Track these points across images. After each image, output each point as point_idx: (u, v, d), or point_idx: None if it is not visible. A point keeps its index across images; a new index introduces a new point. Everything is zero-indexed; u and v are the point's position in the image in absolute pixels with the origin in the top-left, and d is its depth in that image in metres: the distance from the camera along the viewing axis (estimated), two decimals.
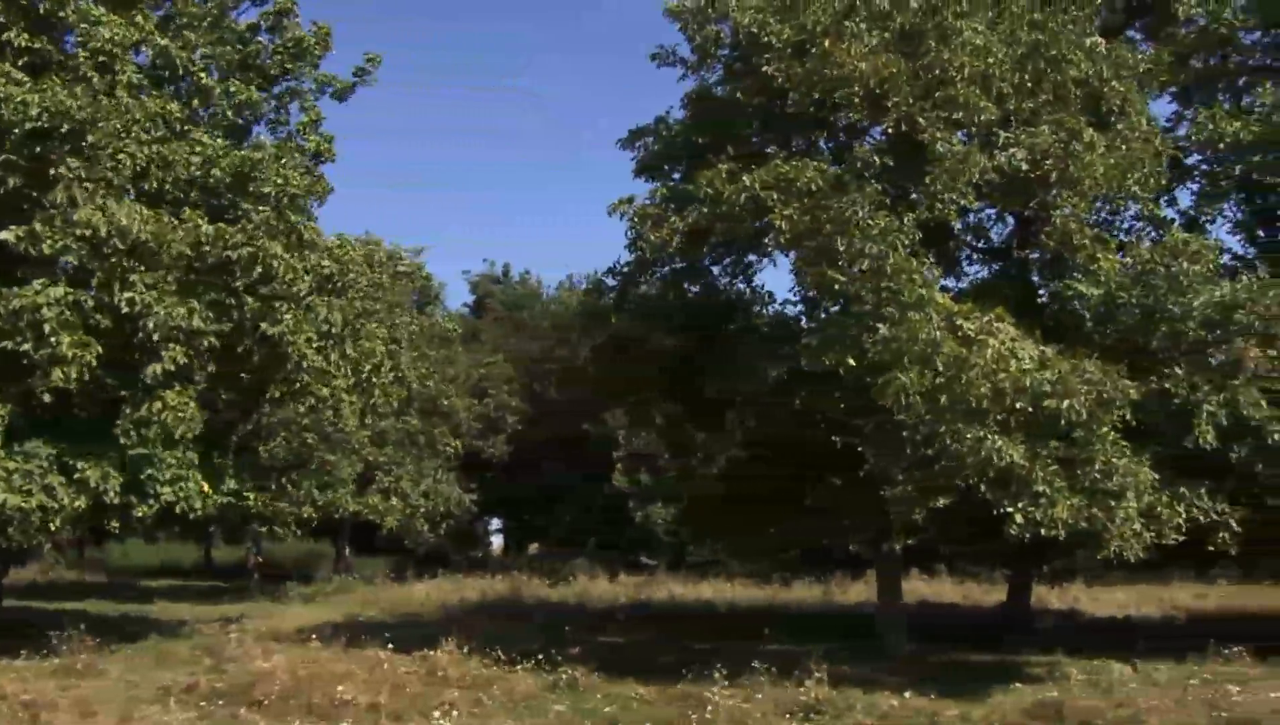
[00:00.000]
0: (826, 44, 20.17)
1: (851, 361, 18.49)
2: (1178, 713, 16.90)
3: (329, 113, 29.22)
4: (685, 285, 24.60)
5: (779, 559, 42.01)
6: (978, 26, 21.04)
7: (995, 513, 18.19)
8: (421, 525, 46.60)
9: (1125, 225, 24.49)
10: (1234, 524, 20.61)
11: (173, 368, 20.91)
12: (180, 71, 24.21)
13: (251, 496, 24.44)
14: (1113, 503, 18.01)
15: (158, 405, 20.81)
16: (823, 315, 21.49)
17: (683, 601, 38.03)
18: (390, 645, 21.19)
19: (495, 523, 65.81)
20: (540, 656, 20.15)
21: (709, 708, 16.93)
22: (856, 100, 20.36)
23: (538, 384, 55.93)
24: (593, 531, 56.07)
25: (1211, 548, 21.04)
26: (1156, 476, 19.02)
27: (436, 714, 16.53)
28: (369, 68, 27.13)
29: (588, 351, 27.61)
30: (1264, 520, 21.97)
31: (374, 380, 27.10)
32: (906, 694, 18.04)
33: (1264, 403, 19.86)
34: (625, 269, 24.84)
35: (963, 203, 19.93)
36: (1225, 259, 24.41)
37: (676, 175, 24.35)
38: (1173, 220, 25.57)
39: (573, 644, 20.67)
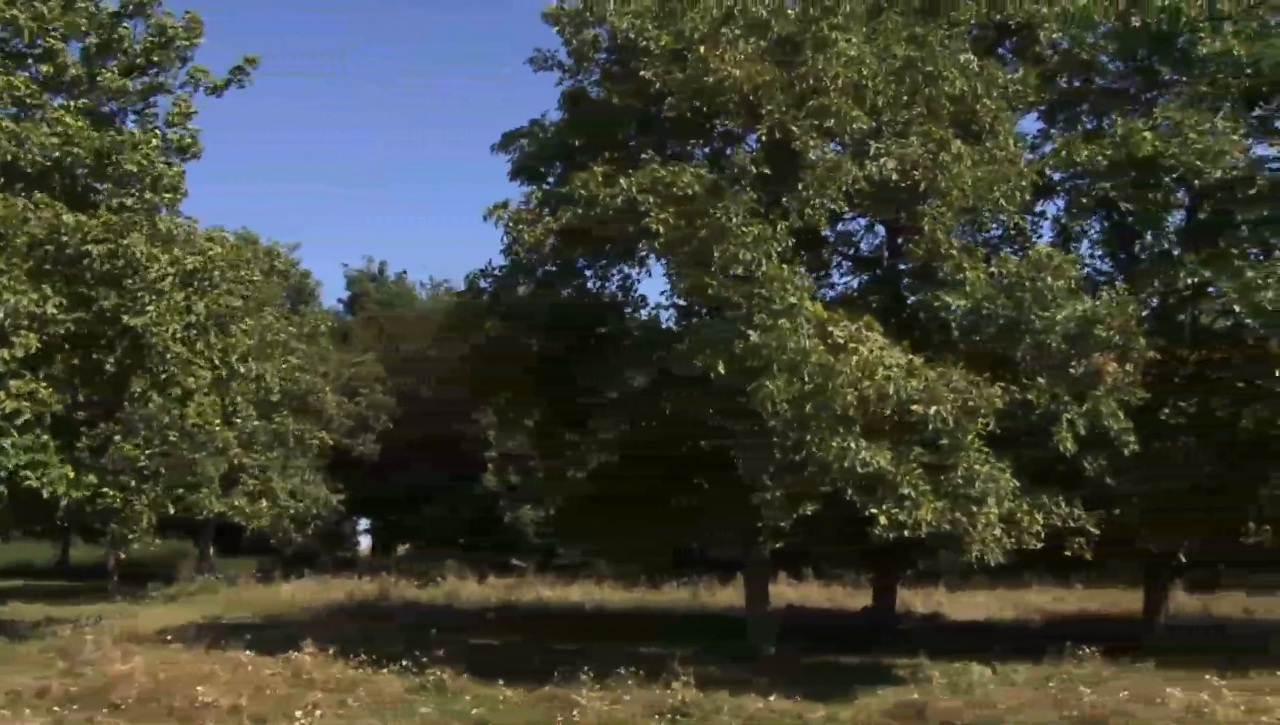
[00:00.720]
0: (703, 50, 20.27)
1: (722, 367, 18.60)
2: (1033, 712, 17.50)
3: (211, 103, 28.54)
4: (559, 288, 24.50)
5: (649, 562, 42.23)
6: (853, 39, 21.31)
7: (861, 515, 18.45)
8: (288, 525, 45.71)
9: (992, 239, 25.06)
10: (1089, 530, 21.32)
11: (22, 354, 20.31)
12: (28, 39, 23.46)
13: (110, 493, 23.74)
14: (975, 508, 18.46)
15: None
16: (695, 320, 21.57)
17: (552, 603, 37.97)
18: (254, 647, 20.80)
19: (364, 523, 64.87)
20: (407, 659, 19.90)
21: (576, 710, 16.97)
22: (732, 107, 20.56)
23: (410, 383, 55.30)
24: (462, 532, 55.66)
25: (1068, 553, 21.71)
26: (1017, 483, 19.55)
27: (300, 716, 16.24)
28: (246, 68, 26.52)
29: (461, 352, 27.37)
30: (1117, 527, 22.77)
31: (238, 371, 26.47)
32: (773, 696, 18.23)
33: (1121, 414, 20.56)
34: (500, 271, 24.67)
35: (834, 211, 20.19)
36: (1087, 274, 25.16)
37: (552, 178, 24.27)
38: (1038, 235, 26.34)
39: (440, 646, 20.44)
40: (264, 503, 43.54)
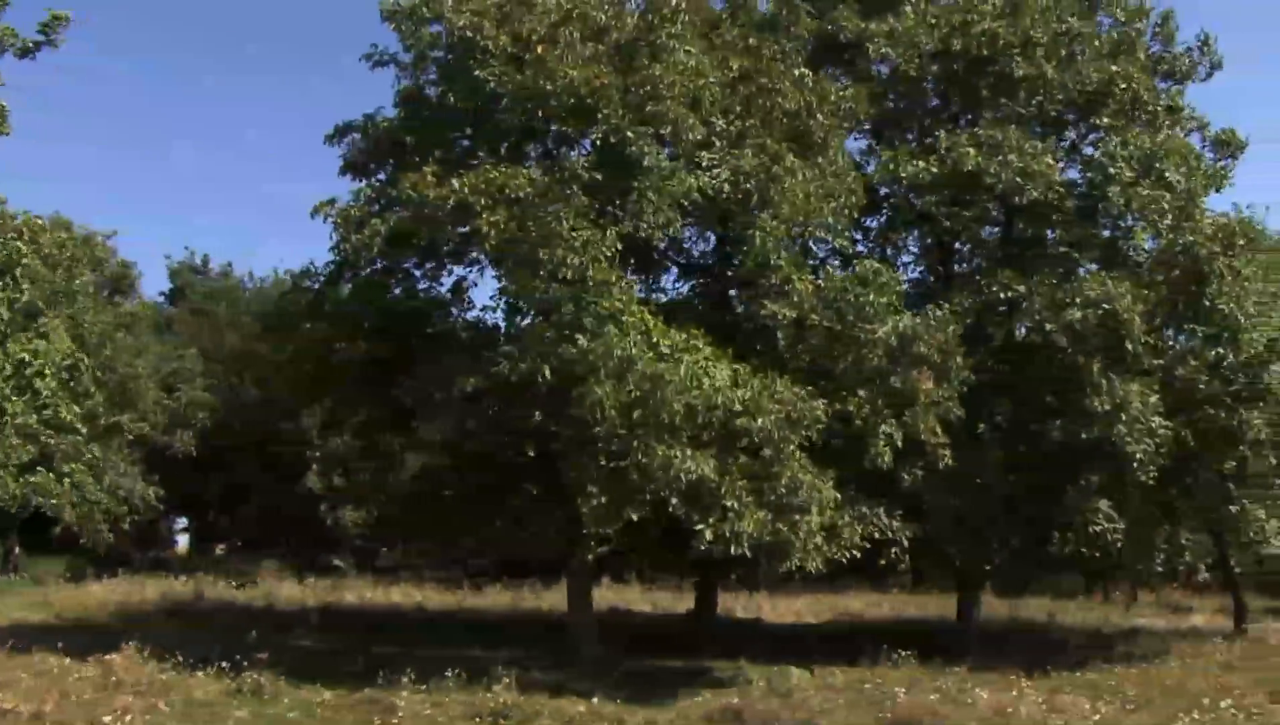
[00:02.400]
0: (541, 51, 20.22)
1: (549, 372, 18.57)
2: (848, 714, 17.92)
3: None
4: (386, 288, 24.08)
5: (472, 565, 41.96)
6: (691, 49, 21.51)
7: (686, 524, 18.62)
8: (101, 522, 43.93)
9: (820, 252, 25.58)
10: (905, 540, 21.97)
11: None
12: None
13: None
14: (797, 517, 18.81)
15: None
16: (524, 324, 21.48)
17: (373, 606, 37.38)
18: (61, 651, 19.99)
19: (181, 522, 62.92)
20: (222, 661, 19.33)
21: (397, 713, 16.74)
22: (568, 110, 20.53)
23: (233, 380, 53.87)
24: (283, 533, 54.45)
25: (884, 561, 22.32)
26: (838, 494, 19.98)
27: (108, 722, 15.61)
28: (54, 25, 25.17)
29: (285, 350, 26.73)
30: (932, 535, 23.52)
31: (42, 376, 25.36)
32: (594, 699, 18.27)
33: (938, 429, 21.21)
34: (326, 269, 24.16)
35: (666, 219, 20.30)
36: (908, 290, 25.87)
37: (383, 175, 23.89)
38: (863, 250, 26.98)
39: (258, 648, 19.96)
40: (67, 483, 41.52)
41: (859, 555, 21.04)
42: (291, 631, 27.04)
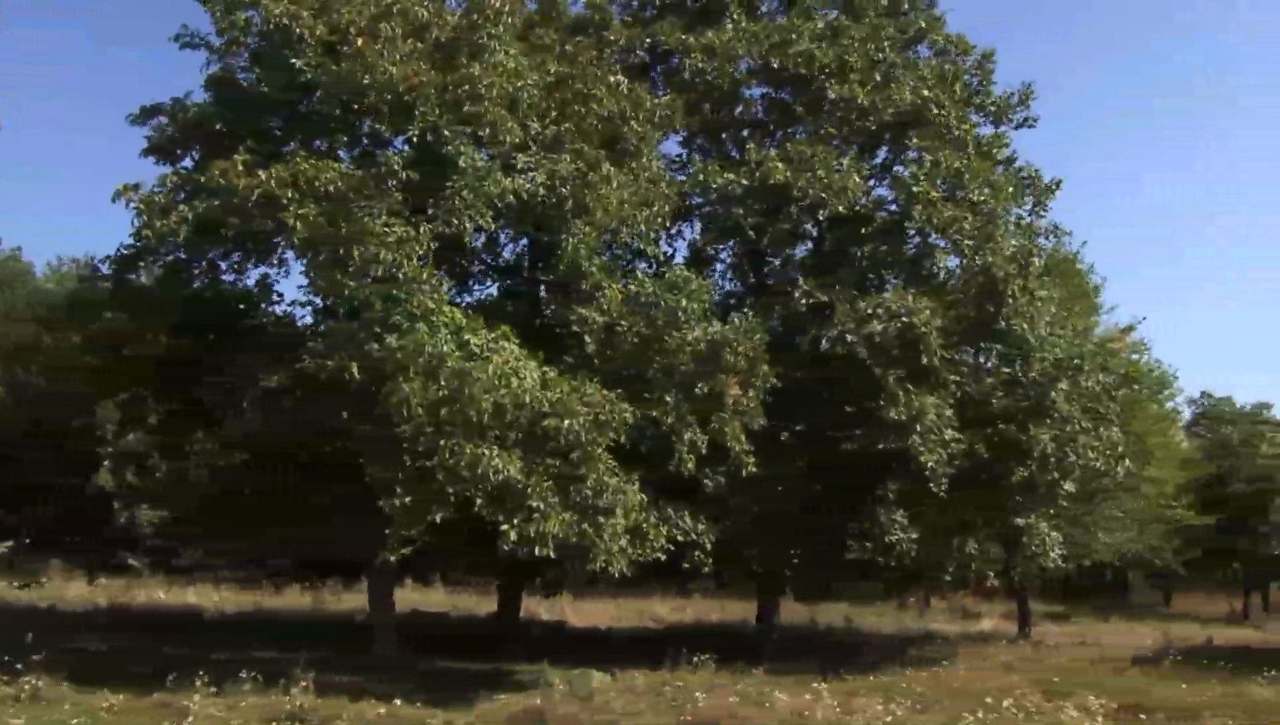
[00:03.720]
0: (360, 45, 19.92)
1: (356, 369, 18.29)
2: (649, 716, 18.06)
3: None
4: (191, 279, 23.32)
5: (271, 565, 40.96)
6: (511, 50, 21.47)
7: (490, 526, 18.54)
8: None
9: (632, 258, 25.76)
10: (708, 543, 22.30)
11: None
12: None
13: None
14: (603, 520, 18.90)
15: None
16: (332, 321, 21.08)
17: (167, 607, 36.18)
18: None
19: None
20: None
21: (188, 717, 16.22)
22: (385, 106, 20.26)
23: (19, 371, 51.38)
24: (73, 531, 52.16)
25: (688, 565, 22.61)
26: (644, 497, 20.17)
27: None
28: None
29: (79, 340, 25.61)
30: (734, 540, 23.94)
31: None
32: (395, 701, 18.01)
33: (742, 436, 21.61)
34: (125, 256, 23.24)
35: (480, 220, 20.19)
36: (718, 298, 26.31)
37: (189, 162, 23.13)
38: (674, 257, 27.34)
39: (38, 650, 19.04)
40: None
41: (663, 559, 21.29)
42: (78, 633, 25.97)
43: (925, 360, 24.19)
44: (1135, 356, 45.30)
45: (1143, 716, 18.91)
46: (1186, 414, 65.08)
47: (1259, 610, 61.70)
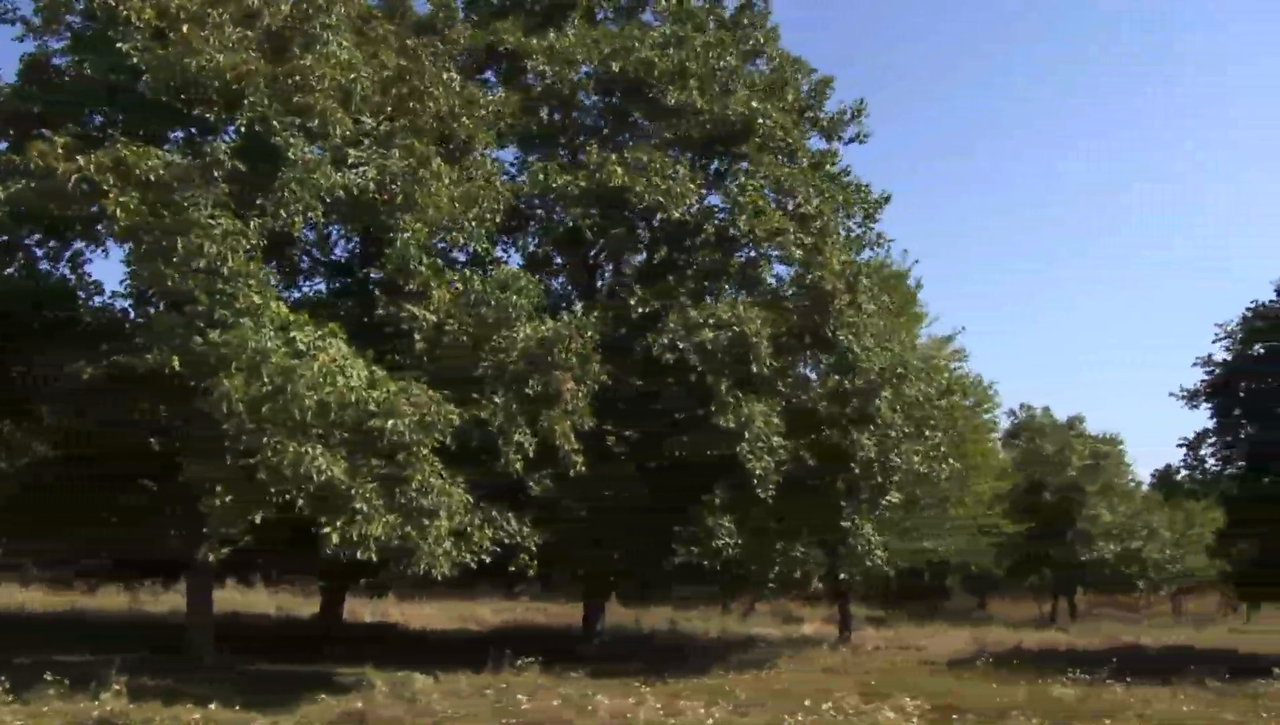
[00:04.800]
0: (187, 30, 19.34)
1: (178, 364, 17.74)
2: (471, 720, 17.93)
3: None
4: (2, 265, 22.32)
5: (85, 564, 39.41)
6: (344, 42, 21.10)
7: (314, 527, 18.18)
8: None
9: (463, 257, 25.56)
10: (534, 546, 22.28)
11: None
12: None
13: None
14: (427, 521, 18.71)
15: None
16: (154, 313, 20.40)
17: None
18: None
19: None
20: None
21: None
22: (213, 94, 19.71)
23: None
24: None
25: (514, 567, 22.55)
26: (470, 499, 20.04)
27: None
28: None
29: None
30: (560, 543, 23.95)
31: None
32: (211, 705, 17.50)
33: (571, 437, 21.62)
34: None
35: (310, 214, 19.79)
36: (550, 300, 26.29)
37: (3, 144, 22.14)
38: (507, 257, 27.24)
39: None
40: None
41: (489, 561, 21.19)
42: None
43: (755, 368, 24.57)
44: (956, 366, 46.87)
45: (955, 717, 19.48)
46: (1005, 425, 67.40)
47: (1066, 615, 64.22)
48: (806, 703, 20.10)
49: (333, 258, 25.97)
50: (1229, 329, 35.44)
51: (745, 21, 31.49)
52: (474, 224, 22.25)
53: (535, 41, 27.29)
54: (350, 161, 20.69)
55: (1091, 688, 22.63)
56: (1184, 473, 37.93)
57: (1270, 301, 34.74)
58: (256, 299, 18.23)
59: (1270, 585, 36.43)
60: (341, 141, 20.70)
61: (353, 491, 17.78)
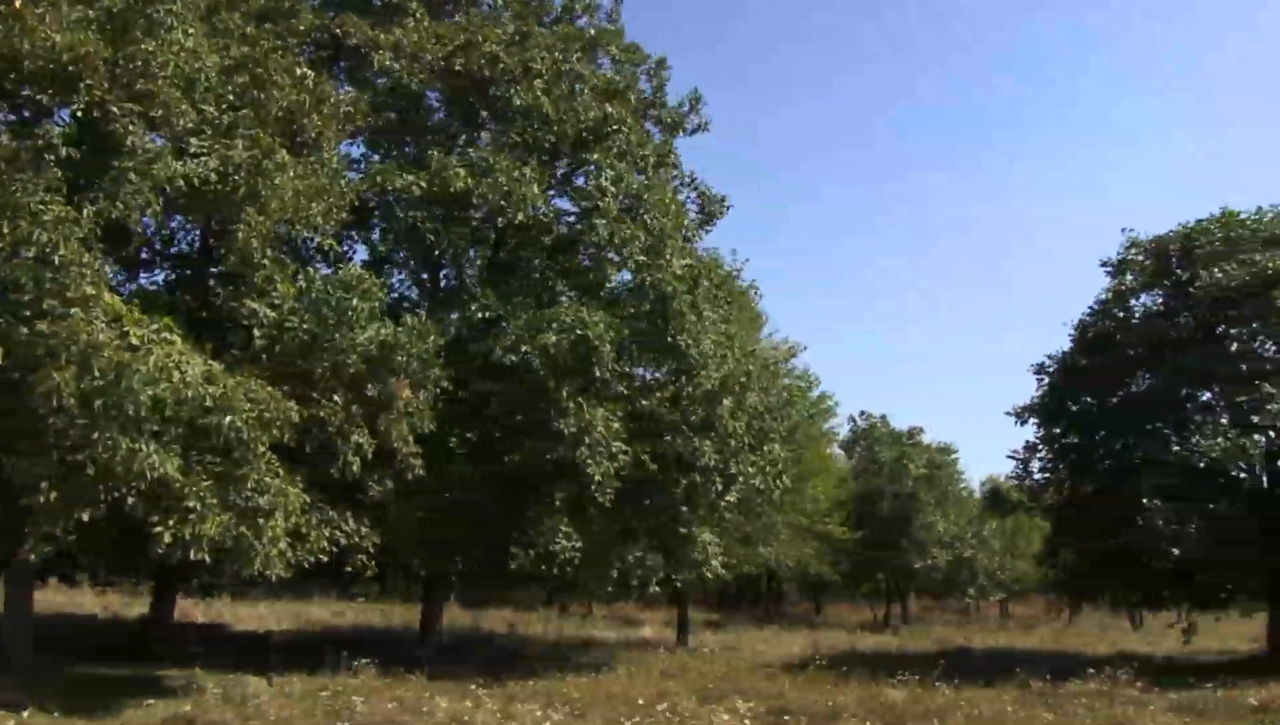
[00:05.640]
0: (19, 6, 18.63)
1: (1, 355, 17.05)
2: (304, 723, 17.64)
3: None
4: None
5: None
6: (189, 29, 20.57)
7: (144, 525, 17.67)
8: None
9: (306, 254, 25.15)
10: (372, 547, 22.08)
11: None
12: None
13: None
14: (262, 521, 18.34)
15: None
16: None
17: None
18: None
19: None
20: None
21: None
22: (47, 76, 19.01)
23: None
24: None
25: (350, 569, 22.30)
26: (307, 499, 19.73)
27: None
28: None
29: None
30: (399, 545, 23.77)
31: None
32: (25, 712, 16.93)
33: (410, 439, 21.47)
34: None
35: (148, 204, 19.23)
36: (394, 300, 26.04)
37: None
38: (351, 256, 26.87)
39: None
40: None
41: (325, 562, 20.93)
42: None
43: (598, 373, 24.66)
44: (796, 376, 47.74)
45: (787, 718, 19.89)
46: (844, 433, 68.90)
47: (899, 619, 65.97)
48: (641, 704, 20.35)
49: (173, 250, 25.23)
50: (1057, 348, 37.04)
51: (579, 10, 31.53)
52: (319, 220, 21.86)
53: (382, 35, 26.96)
54: (192, 151, 20.14)
55: (921, 689, 23.30)
56: (1013, 483, 39.45)
57: (1096, 320, 36.34)
58: (89, 290, 17.61)
59: (1090, 591, 38.19)
60: (184, 131, 20.13)
61: (186, 489, 17.32)
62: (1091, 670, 25.01)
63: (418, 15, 27.97)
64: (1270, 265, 31.94)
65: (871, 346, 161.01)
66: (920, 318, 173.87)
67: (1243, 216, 34.51)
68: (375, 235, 27.73)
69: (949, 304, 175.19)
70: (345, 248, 27.03)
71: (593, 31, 31.33)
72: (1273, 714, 21.13)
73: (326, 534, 20.64)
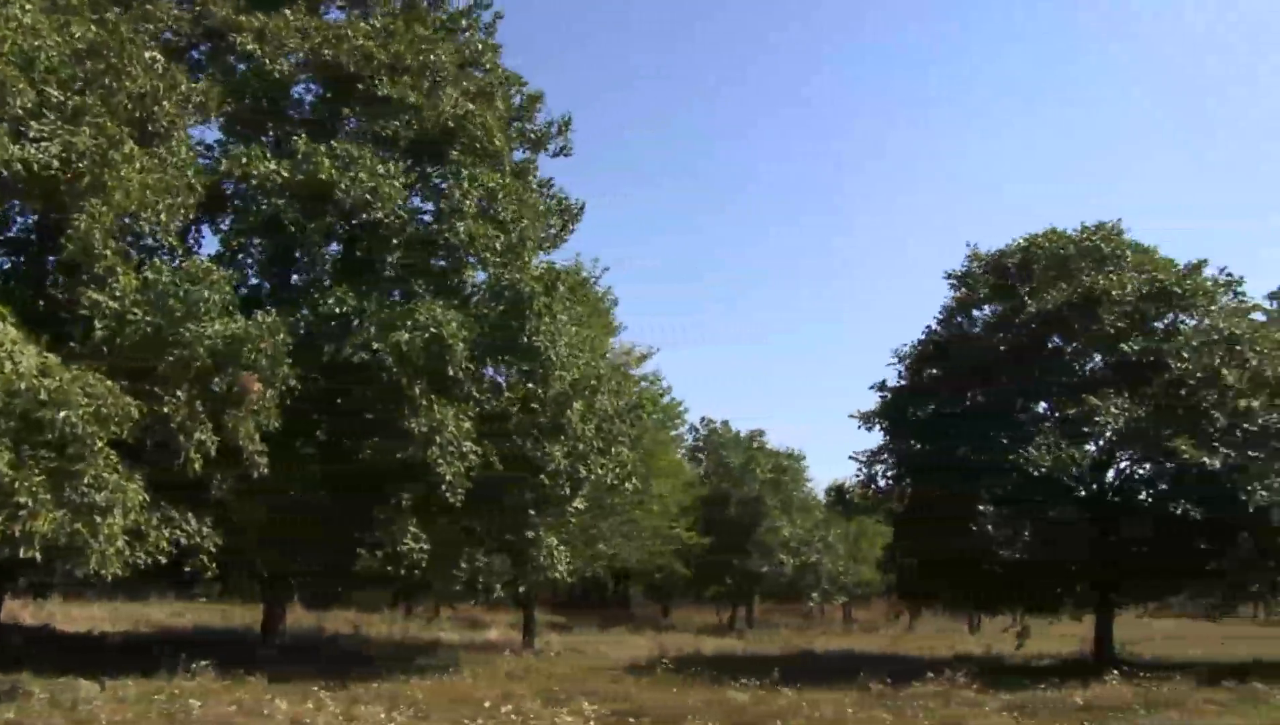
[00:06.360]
0: None
1: None
2: None
3: None
4: None
5: None
6: (29, 5, 19.84)
7: None
8: None
9: (152, 244, 24.43)
10: (214, 547, 21.60)
11: None
12: None
13: None
14: (99, 519, 17.79)
15: None
16: None
17: None
18: None
19: None
20: None
21: None
22: None
23: None
24: None
25: (190, 568, 21.81)
26: (146, 496, 19.20)
27: None
28: None
29: None
30: (241, 546, 23.29)
31: None
32: None
33: (257, 437, 21.06)
34: None
35: None
36: (244, 293, 25.48)
37: None
38: (201, 247, 26.23)
39: None
40: None
41: (164, 562, 20.42)
42: None
43: (451, 372, 24.48)
44: (643, 372, 48.12)
45: (632, 720, 20.06)
46: (690, 438, 69.54)
47: (745, 622, 66.86)
48: (486, 706, 20.33)
49: (9, 237, 24.27)
50: (902, 355, 37.93)
51: (464, 25, 31.38)
52: (165, 213, 21.25)
53: (245, 20, 26.38)
54: (32, 135, 19.42)
55: (765, 691, 23.70)
56: (856, 488, 40.32)
57: (940, 330, 37.41)
58: None
59: (929, 595, 39.26)
60: (22, 113, 19.39)
61: (17, 484, 16.69)
62: (930, 673, 25.74)
63: (292, 5, 27.41)
64: (1098, 282, 33.35)
65: (719, 353, 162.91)
66: (770, 325, 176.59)
67: (1071, 234, 35.91)
68: (228, 225, 27.00)
69: (796, 310, 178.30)
70: (192, 240, 26.34)
71: (478, 45, 31.15)
72: (1096, 712, 22.07)
73: (166, 533, 20.12)
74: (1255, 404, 31.40)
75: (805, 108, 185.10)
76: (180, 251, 24.41)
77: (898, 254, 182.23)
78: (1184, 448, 30.20)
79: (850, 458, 39.13)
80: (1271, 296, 39.27)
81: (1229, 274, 35.33)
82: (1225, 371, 31.61)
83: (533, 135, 32.55)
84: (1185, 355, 32.13)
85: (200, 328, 20.11)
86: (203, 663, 21.80)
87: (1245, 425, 31.30)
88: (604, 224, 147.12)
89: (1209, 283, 34.80)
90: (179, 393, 20.01)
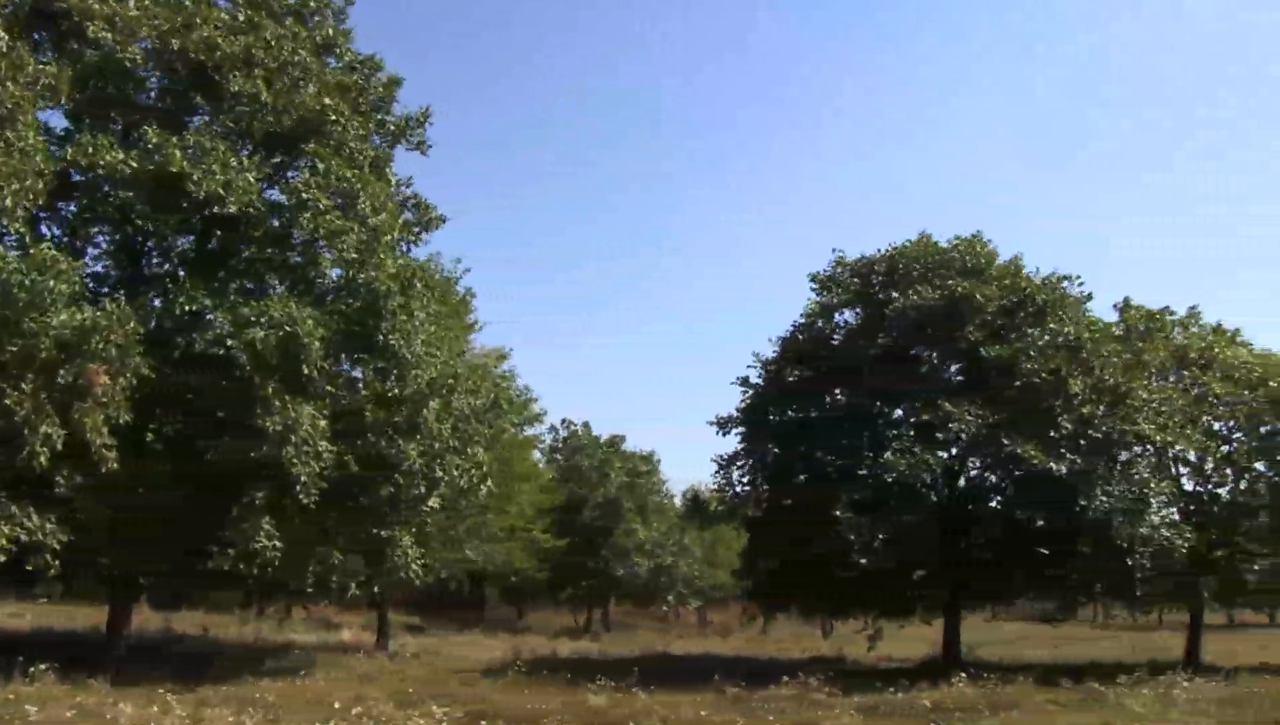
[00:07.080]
0: None
1: None
2: None
3: None
4: None
5: None
6: None
7: None
8: None
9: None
10: (57, 545, 20.99)
11: None
12: None
13: None
14: None
15: None
16: None
17: None
18: None
19: None
20: None
21: None
22: None
23: None
24: None
25: (32, 567, 21.18)
26: None
27: None
28: None
29: None
30: (86, 544, 22.66)
31: None
32: None
33: (105, 431, 20.51)
34: None
35: None
36: (91, 284, 24.81)
37: None
38: (48, 235, 25.38)
39: None
40: None
41: (3, 559, 19.80)
42: None
43: (306, 370, 24.11)
44: (501, 371, 48.04)
45: (484, 723, 20.00)
46: (549, 440, 69.61)
47: (600, 625, 67.18)
48: (337, 706, 20.14)
49: None
50: (764, 360, 38.41)
51: (314, 6, 30.72)
52: (10, 200, 20.54)
53: (95, 5, 25.61)
54: None
55: (620, 694, 23.85)
56: (714, 493, 40.74)
57: (801, 333, 38.01)
58: None
59: (783, 599, 39.88)
60: None
61: None
62: (785, 676, 26.19)
63: None
64: (958, 290, 34.23)
65: (579, 355, 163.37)
66: (629, 327, 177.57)
67: (940, 243, 36.82)
68: (74, 213, 26.19)
69: (654, 312, 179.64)
70: (44, 230, 25.47)
71: (329, 31, 30.56)
72: (944, 713, 22.72)
73: (7, 530, 19.48)
74: (1099, 411, 32.63)
75: (676, 106, 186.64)
76: (29, 238, 23.64)
77: (768, 261, 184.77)
78: (1032, 454, 31.23)
79: (712, 459, 39.49)
80: (1116, 307, 41.00)
81: (1081, 285, 36.69)
82: (1071, 380, 32.76)
83: (392, 126, 32.11)
84: (1032, 353, 33.17)
85: (47, 317, 19.52)
86: (42, 666, 21.15)
87: (1089, 432, 32.49)
88: (467, 226, 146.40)
89: (1064, 295, 36.02)
90: (24, 385, 19.38)
